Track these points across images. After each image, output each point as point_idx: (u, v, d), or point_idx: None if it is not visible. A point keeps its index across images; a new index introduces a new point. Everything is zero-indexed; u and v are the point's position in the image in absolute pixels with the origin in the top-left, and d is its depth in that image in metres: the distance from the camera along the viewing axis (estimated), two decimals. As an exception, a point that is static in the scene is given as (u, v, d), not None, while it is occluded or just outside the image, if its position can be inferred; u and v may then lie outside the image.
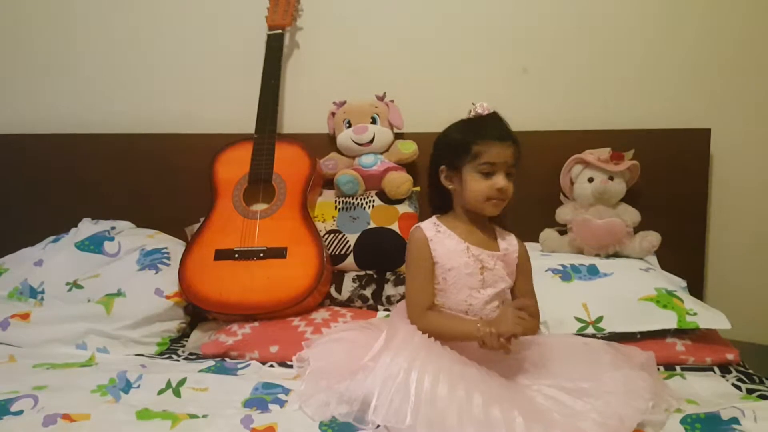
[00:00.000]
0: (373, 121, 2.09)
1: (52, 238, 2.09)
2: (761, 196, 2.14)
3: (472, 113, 1.44)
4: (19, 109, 2.41)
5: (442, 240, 1.43)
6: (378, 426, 1.23)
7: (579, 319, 1.67)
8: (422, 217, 1.97)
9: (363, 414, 1.26)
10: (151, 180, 2.26)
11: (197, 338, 1.79)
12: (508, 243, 1.49)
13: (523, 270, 1.50)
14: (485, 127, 1.41)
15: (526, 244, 1.57)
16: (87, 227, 2.09)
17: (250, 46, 2.22)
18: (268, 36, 2.16)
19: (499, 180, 1.38)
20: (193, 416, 1.33)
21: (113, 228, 2.09)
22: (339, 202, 2.05)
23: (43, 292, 1.90)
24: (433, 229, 1.45)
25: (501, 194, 1.39)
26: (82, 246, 2.00)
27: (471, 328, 1.33)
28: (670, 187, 2.07)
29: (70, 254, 1.98)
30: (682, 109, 2.13)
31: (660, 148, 2.06)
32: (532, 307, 1.41)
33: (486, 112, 1.44)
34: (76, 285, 1.90)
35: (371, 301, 1.87)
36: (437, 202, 1.50)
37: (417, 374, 1.23)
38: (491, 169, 1.38)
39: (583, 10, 2.15)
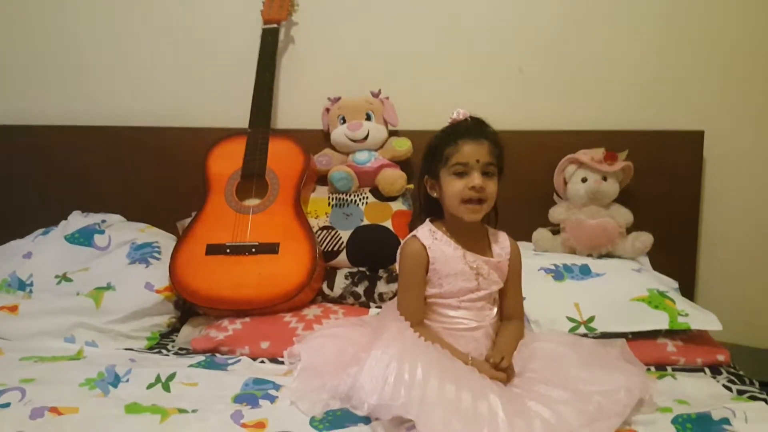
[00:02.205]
0: (368, 118, 2.09)
1: (41, 230, 2.07)
2: (754, 199, 2.16)
3: (450, 119, 1.47)
4: (9, 101, 2.38)
5: (439, 246, 1.45)
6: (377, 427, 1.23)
7: (571, 319, 1.67)
8: (416, 215, 1.99)
9: (357, 407, 1.27)
10: (143, 173, 2.24)
11: (187, 333, 1.77)
12: (501, 247, 1.51)
13: (513, 272, 1.52)
14: (457, 130, 1.44)
15: (519, 243, 1.58)
16: (77, 220, 2.07)
17: (244, 40, 2.20)
18: (263, 30, 2.15)
19: (473, 178, 1.39)
20: (182, 411, 1.32)
21: (104, 221, 2.07)
22: (332, 198, 2.04)
23: (31, 284, 1.88)
24: (429, 236, 1.46)
25: (477, 193, 1.39)
26: (71, 239, 1.98)
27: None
28: (663, 188, 2.08)
29: (59, 247, 1.96)
30: (676, 111, 2.14)
31: (653, 149, 2.07)
32: (512, 345, 1.44)
33: (462, 117, 1.46)
34: (65, 278, 1.88)
35: (363, 298, 1.87)
36: (430, 212, 1.52)
37: (409, 364, 1.24)
38: (464, 169, 1.40)
39: (578, 12, 2.15)
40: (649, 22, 2.13)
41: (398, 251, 1.50)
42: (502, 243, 1.52)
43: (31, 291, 1.87)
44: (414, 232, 1.49)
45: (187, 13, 2.28)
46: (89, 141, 2.26)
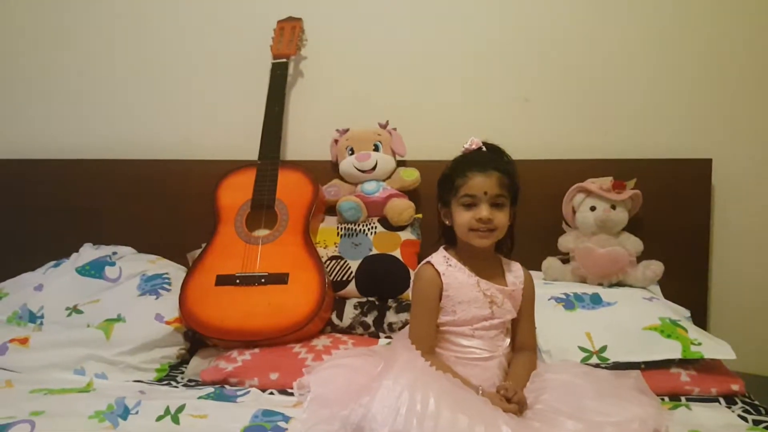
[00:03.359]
0: (376, 149, 2.10)
1: (52, 262, 2.09)
2: (763, 226, 2.15)
3: (463, 149, 1.48)
4: (21, 135, 2.43)
5: (453, 273, 1.45)
6: None
7: (583, 349, 1.65)
8: (424, 245, 2.00)
9: None
10: (154, 206, 2.26)
11: (197, 364, 1.77)
12: (515, 276, 1.51)
13: (526, 303, 1.51)
14: (467, 161, 1.45)
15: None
16: (88, 252, 2.09)
17: (254, 74, 2.24)
18: (273, 64, 2.18)
19: (481, 210, 1.39)
20: (191, 443, 1.31)
21: (114, 253, 2.08)
22: (341, 228, 2.05)
23: (42, 317, 1.88)
24: (444, 263, 1.47)
25: (483, 224, 1.39)
26: (82, 271, 1.99)
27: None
28: (672, 216, 2.08)
29: (70, 279, 1.97)
30: (683, 139, 2.15)
31: (662, 177, 2.07)
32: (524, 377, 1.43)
33: (474, 147, 1.47)
34: (75, 310, 1.88)
35: (373, 329, 1.86)
36: (446, 239, 1.53)
37: (421, 394, 1.22)
38: (472, 200, 1.41)
39: (585, 41, 2.18)
40: (656, 51, 2.16)
41: (412, 278, 1.50)
42: (515, 272, 1.52)
43: (41, 323, 1.87)
44: (428, 258, 1.49)
45: (198, 47, 2.32)
46: (101, 174, 2.30)
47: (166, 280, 1.95)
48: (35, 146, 2.39)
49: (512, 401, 1.32)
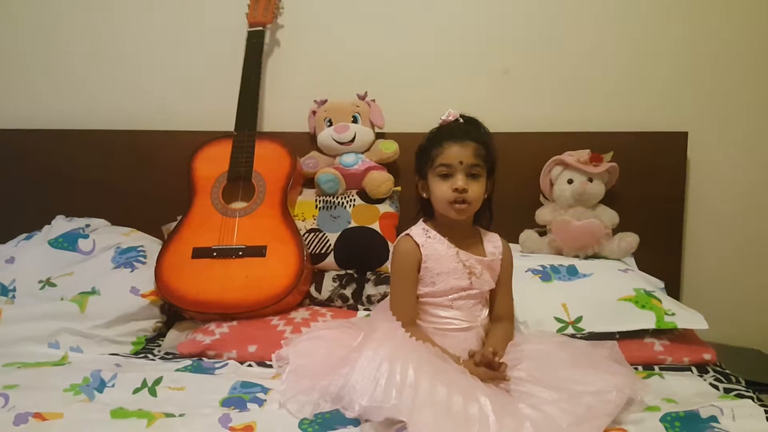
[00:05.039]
0: (355, 120, 2.08)
1: (24, 235, 2.04)
2: (737, 199, 2.18)
3: (440, 121, 1.48)
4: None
5: (432, 245, 1.46)
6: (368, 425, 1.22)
7: (558, 319, 1.67)
8: (403, 218, 2.00)
9: (347, 408, 1.26)
10: (128, 177, 2.22)
11: (174, 337, 1.76)
12: (494, 246, 1.52)
13: (504, 273, 1.53)
14: (443, 132, 1.45)
15: (505, 244, 1.58)
16: (61, 224, 2.04)
17: (230, 42, 2.20)
18: (249, 33, 2.14)
19: (457, 180, 1.40)
20: (169, 415, 1.30)
21: (88, 225, 2.04)
22: (319, 201, 2.03)
23: (14, 290, 1.85)
24: (423, 235, 1.47)
25: (459, 194, 1.39)
26: (55, 243, 1.96)
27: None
28: (647, 189, 2.10)
29: (43, 252, 1.94)
30: (660, 112, 2.16)
31: (638, 150, 2.09)
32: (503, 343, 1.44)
33: (451, 118, 1.47)
34: (48, 283, 1.85)
35: (351, 301, 1.86)
36: (425, 211, 1.53)
37: (401, 365, 1.23)
38: (448, 170, 1.41)
39: (564, 14, 2.17)
40: (635, 25, 2.15)
41: (391, 250, 1.49)
42: (494, 243, 1.53)
43: (14, 296, 1.83)
44: (407, 231, 1.49)
45: (172, 16, 2.27)
46: (74, 145, 2.24)
47: (141, 253, 1.92)
48: (6, 116, 2.32)
49: (500, 369, 1.31)
